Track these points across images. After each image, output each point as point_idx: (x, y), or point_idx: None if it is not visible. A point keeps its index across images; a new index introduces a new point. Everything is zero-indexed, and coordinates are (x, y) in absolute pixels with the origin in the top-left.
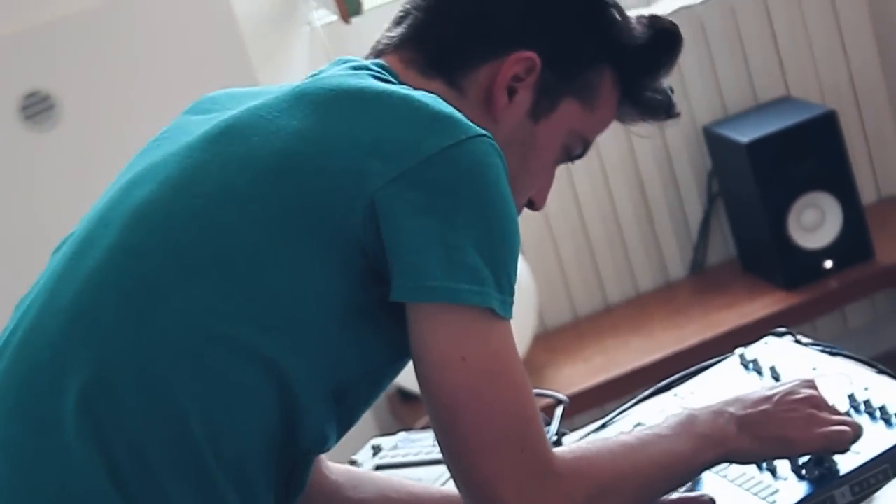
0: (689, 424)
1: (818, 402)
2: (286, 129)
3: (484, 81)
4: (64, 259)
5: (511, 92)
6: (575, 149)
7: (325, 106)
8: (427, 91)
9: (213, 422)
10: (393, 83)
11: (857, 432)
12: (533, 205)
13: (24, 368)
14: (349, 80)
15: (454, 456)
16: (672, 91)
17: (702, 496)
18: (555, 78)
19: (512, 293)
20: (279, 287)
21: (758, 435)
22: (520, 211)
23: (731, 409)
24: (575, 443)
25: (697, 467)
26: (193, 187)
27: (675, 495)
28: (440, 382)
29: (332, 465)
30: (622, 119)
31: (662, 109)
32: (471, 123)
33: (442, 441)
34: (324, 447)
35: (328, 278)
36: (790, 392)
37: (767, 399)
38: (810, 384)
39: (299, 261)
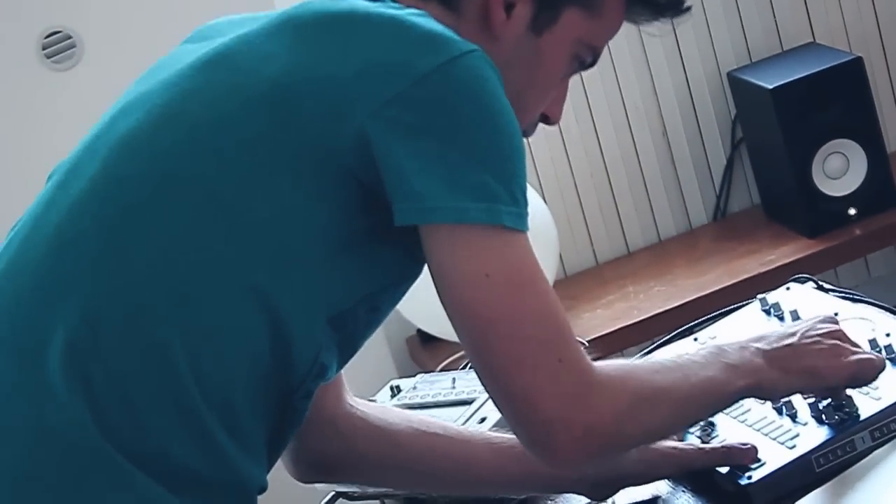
0: (718, 354)
1: (841, 335)
2: (274, 56)
3: None
4: (52, 187)
5: (509, 7)
6: (585, 58)
7: (313, 31)
8: (421, 11)
9: (195, 352)
10: (384, 3)
11: (882, 363)
12: (548, 119)
13: (5, 300)
14: (338, 4)
15: (490, 375)
16: None
17: (745, 444)
18: None
19: (526, 204)
20: (267, 214)
21: (786, 367)
22: (534, 128)
23: (758, 345)
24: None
25: (729, 396)
26: (179, 116)
27: (719, 444)
28: (466, 302)
29: (358, 399)
30: (632, 20)
31: (672, 6)
32: (462, 40)
33: (477, 362)
34: (323, 376)
35: (318, 206)
36: (812, 328)
37: (791, 335)
38: (832, 319)
39: (288, 188)
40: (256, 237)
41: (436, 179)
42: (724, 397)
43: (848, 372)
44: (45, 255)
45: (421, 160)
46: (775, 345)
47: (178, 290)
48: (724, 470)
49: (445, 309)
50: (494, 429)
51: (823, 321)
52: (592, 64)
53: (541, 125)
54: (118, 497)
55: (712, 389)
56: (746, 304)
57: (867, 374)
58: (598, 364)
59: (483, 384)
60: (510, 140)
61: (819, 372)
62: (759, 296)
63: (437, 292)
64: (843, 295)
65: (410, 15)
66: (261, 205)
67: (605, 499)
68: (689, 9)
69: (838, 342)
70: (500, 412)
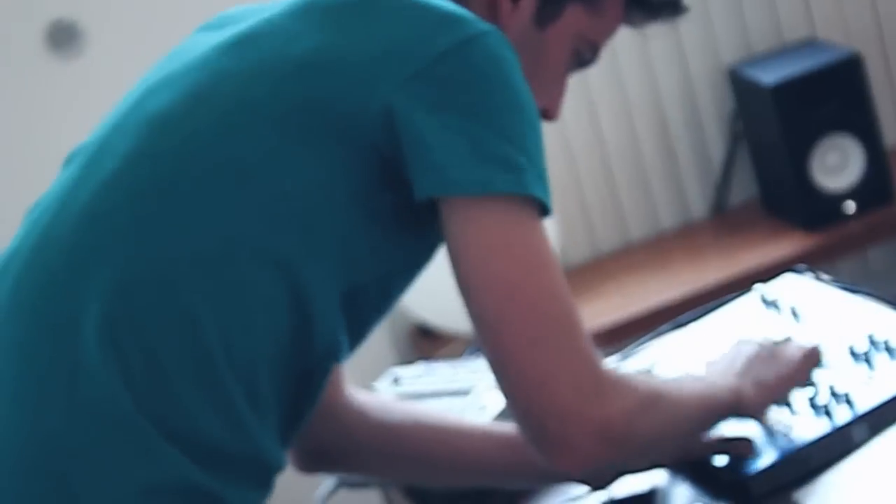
0: (696, 377)
1: (762, 345)
2: (299, 36)
3: None
4: (79, 167)
5: None
6: (585, 54)
7: (338, 13)
8: None
9: (225, 324)
10: None
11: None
12: (547, 114)
13: (38, 273)
14: None
15: (504, 354)
16: None
17: (744, 437)
18: None
19: (548, 180)
20: (293, 188)
21: (761, 383)
22: None
23: (725, 373)
24: None
25: (718, 408)
26: (209, 95)
27: (718, 435)
28: (484, 276)
29: (358, 389)
30: (630, 21)
31: (669, 7)
32: (479, 20)
33: (490, 341)
34: (337, 357)
35: (342, 180)
36: (745, 350)
37: (737, 359)
38: (747, 342)
39: (314, 162)
40: (283, 210)
41: (459, 152)
42: (713, 413)
43: (804, 364)
44: (77, 229)
45: (444, 134)
46: (739, 369)
47: (209, 264)
48: (722, 461)
49: (461, 288)
50: (495, 419)
51: (746, 344)
52: (592, 61)
53: None
54: (148, 469)
55: (704, 403)
56: (743, 293)
57: (816, 358)
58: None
59: (494, 369)
60: (530, 117)
61: (788, 374)
62: (757, 287)
63: (454, 268)
64: (841, 286)
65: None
66: (287, 179)
67: (602, 488)
68: (685, 10)
69: (772, 352)
70: (508, 402)
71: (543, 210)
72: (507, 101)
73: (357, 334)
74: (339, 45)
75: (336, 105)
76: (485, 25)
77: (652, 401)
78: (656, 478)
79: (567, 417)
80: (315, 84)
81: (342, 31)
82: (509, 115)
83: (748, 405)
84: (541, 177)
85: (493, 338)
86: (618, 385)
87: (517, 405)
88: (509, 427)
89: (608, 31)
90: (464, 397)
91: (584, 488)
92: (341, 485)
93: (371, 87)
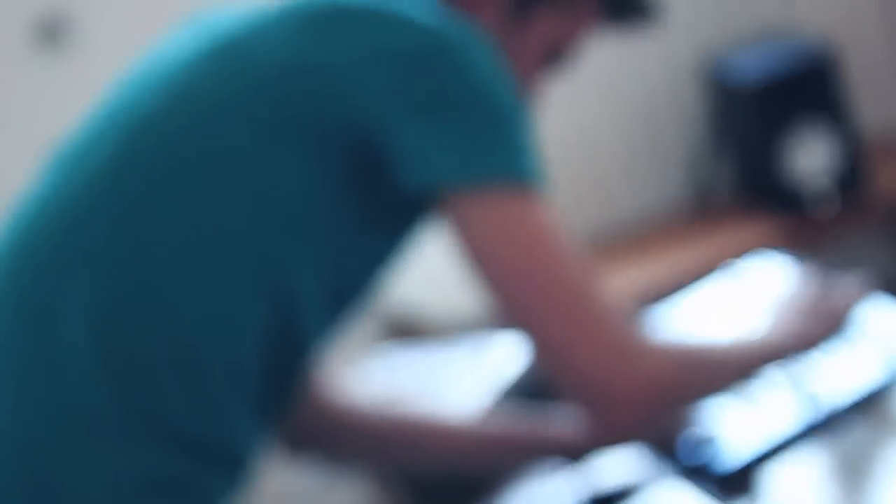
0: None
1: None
2: (279, 43)
3: None
4: (63, 166)
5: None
6: (558, 58)
7: (315, 20)
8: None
9: (206, 316)
10: None
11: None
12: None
13: (20, 271)
14: None
15: (532, 336)
16: None
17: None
18: None
19: (541, 164)
20: (274, 186)
21: (805, 338)
22: None
23: (771, 332)
24: None
25: (759, 363)
26: (192, 98)
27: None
28: (494, 265)
29: (337, 381)
30: (603, 24)
31: (641, 12)
32: (456, 23)
33: (518, 321)
34: (320, 353)
35: (327, 182)
36: (795, 300)
37: (786, 311)
38: (800, 289)
39: (295, 163)
40: (267, 208)
41: (447, 145)
42: (754, 364)
43: (845, 312)
44: (62, 231)
45: (430, 130)
46: (784, 325)
47: (192, 258)
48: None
49: (477, 277)
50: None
51: (796, 294)
52: (566, 65)
53: None
54: (127, 460)
55: (745, 357)
56: (716, 274)
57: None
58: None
59: (535, 346)
60: (513, 105)
61: (830, 325)
62: (728, 266)
63: (465, 257)
64: (815, 269)
65: (408, 7)
66: (267, 177)
67: (580, 458)
68: (655, 15)
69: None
70: (552, 373)
71: (541, 191)
72: (491, 93)
73: (339, 322)
74: (321, 52)
75: (316, 109)
76: (460, 24)
77: (685, 361)
78: (639, 473)
79: (599, 386)
80: (295, 88)
81: (321, 38)
82: (495, 105)
83: (791, 356)
84: (533, 161)
85: (518, 319)
86: (650, 348)
87: (561, 382)
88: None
89: (580, 35)
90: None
91: (568, 480)
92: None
93: (351, 92)
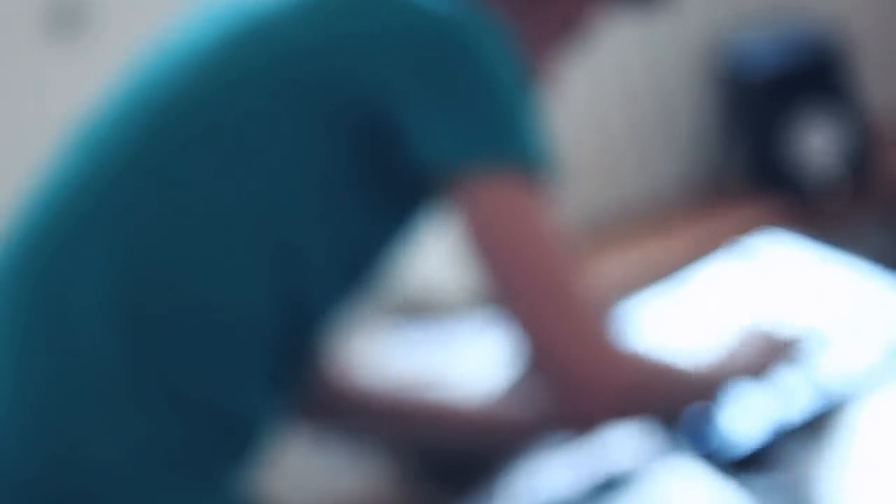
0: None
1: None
2: (303, 25)
3: None
4: (82, 143)
5: None
6: (574, 39)
7: (336, 5)
8: None
9: (224, 285)
10: None
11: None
12: (543, 86)
13: (37, 240)
14: None
15: (517, 327)
16: None
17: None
18: None
19: (549, 149)
20: (293, 158)
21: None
22: None
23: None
24: None
25: (721, 380)
26: (217, 76)
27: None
28: (490, 244)
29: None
30: (617, 4)
31: None
32: (465, 4)
33: (505, 314)
34: (333, 327)
35: (339, 155)
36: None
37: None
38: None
39: (313, 137)
40: (279, 184)
41: (456, 129)
42: (718, 380)
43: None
44: (84, 197)
45: (440, 114)
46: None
47: (207, 234)
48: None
49: (478, 261)
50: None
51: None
52: (583, 44)
53: None
54: (140, 426)
55: (710, 373)
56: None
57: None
58: None
59: (522, 334)
60: (522, 90)
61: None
62: (729, 248)
63: (470, 242)
64: (818, 250)
65: None
66: (282, 154)
67: (529, 442)
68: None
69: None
70: (530, 357)
71: (548, 178)
72: (503, 78)
73: (352, 296)
74: (337, 34)
75: (334, 87)
76: (469, 8)
77: (653, 365)
78: (647, 453)
79: (573, 376)
80: (315, 67)
81: (340, 22)
82: (506, 90)
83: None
84: (539, 145)
85: (505, 307)
86: (623, 350)
87: (536, 366)
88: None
89: (597, 14)
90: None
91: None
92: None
93: (367, 72)
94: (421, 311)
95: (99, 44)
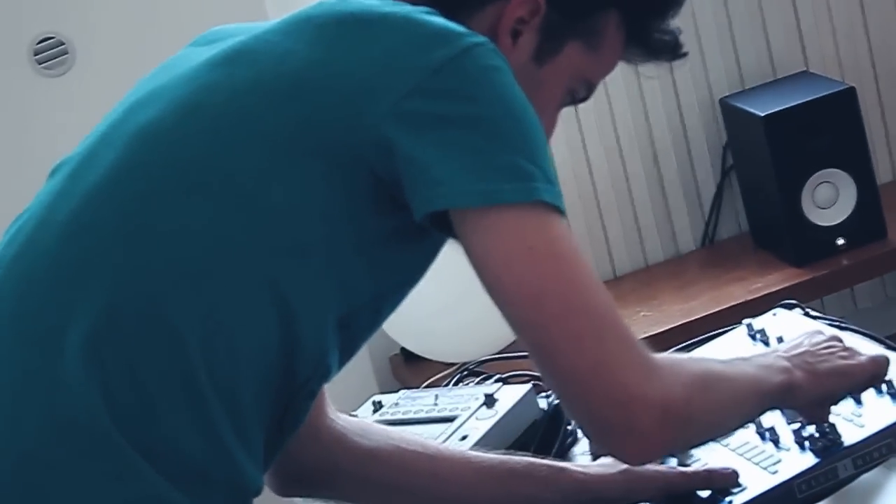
0: (746, 359)
1: (840, 339)
2: (294, 52)
3: (488, 23)
4: (63, 178)
5: (515, 34)
6: (579, 92)
7: (333, 29)
8: (430, 9)
9: (209, 343)
10: (396, 3)
11: (888, 358)
12: None
13: (19, 283)
14: (354, 4)
15: (551, 361)
16: (680, 31)
17: (727, 469)
18: (560, 20)
19: (558, 185)
20: (285, 207)
21: (812, 370)
22: None
23: (777, 354)
24: None
25: (767, 394)
26: (200, 108)
27: (700, 467)
28: (510, 284)
29: (340, 413)
30: (628, 60)
31: (669, 50)
32: (472, 32)
33: (534, 350)
34: (326, 378)
35: (337, 201)
36: (813, 338)
37: (799, 345)
38: (822, 331)
39: (307, 182)
40: (273, 229)
41: (460, 165)
42: (764, 395)
43: (870, 367)
44: (60, 241)
45: (443, 149)
46: (792, 352)
47: (196, 279)
48: (704, 494)
49: (491, 296)
50: (475, 448)
51: (818, 333)
52: (586, 98)
53: None
54: (122, 487)
55: (756, 384)
56: (732, 328)
57: (883, 368)
58: None
59: (545, 376)
60: (531, 122)
61: (845, 370)
62: (746, 321)
63: (481, 280)
64: (829, 322)
65: (422, 13)
66: (279, 197)
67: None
68: (685, 54)
69: (844, 344)
70: (567, 406)
71: (557, 211)
72: (507, 110)
73: (348, 352)
74: (332, 62)
75: (330, 125)
76: (477, 37)
77: (706, 379)
78: None
79: (629, 403)
80: (308, 102)
81: (336, 48)
82: (510, 124)
83: (798, 392)
84: (549, 180)
85: (535, 343)
86: (669, 365)
87: (576, 405)
88: (491, 455)
89: (604, 70)
90: (445, 424)
91: None
92: None
93: (366, 106)
94: (417, 365)
95: (85, 79)
